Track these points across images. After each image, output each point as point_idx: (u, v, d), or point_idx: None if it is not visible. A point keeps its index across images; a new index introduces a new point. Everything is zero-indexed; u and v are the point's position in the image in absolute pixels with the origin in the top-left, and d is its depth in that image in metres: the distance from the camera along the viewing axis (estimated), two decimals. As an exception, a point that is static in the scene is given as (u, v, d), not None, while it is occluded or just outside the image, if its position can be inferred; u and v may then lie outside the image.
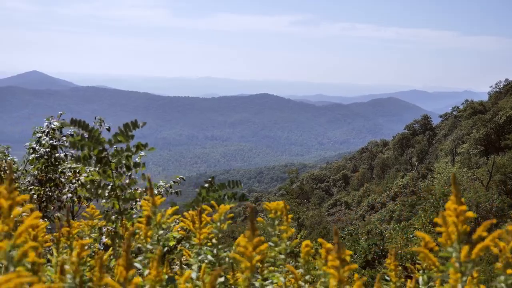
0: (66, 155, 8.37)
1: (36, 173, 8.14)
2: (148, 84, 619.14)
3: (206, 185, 3.15)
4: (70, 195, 7.93)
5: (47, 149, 8.15)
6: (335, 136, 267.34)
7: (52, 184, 8.15)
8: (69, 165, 8.27)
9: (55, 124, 8.36)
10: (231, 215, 2.33)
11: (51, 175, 8.21)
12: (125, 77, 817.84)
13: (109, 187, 3.55)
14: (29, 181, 8.25)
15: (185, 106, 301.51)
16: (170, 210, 2.25)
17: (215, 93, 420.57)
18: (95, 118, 8.89)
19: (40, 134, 8.28)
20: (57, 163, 8.26)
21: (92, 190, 3.52)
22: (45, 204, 7.99)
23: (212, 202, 2.41)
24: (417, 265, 2.06)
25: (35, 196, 7.87)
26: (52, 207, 7.97)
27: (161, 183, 8.19)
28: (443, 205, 27.24)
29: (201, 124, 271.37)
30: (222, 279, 2.01)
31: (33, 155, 8.15)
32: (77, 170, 8.09)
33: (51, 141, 8.19)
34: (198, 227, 2.04)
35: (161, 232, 2.18)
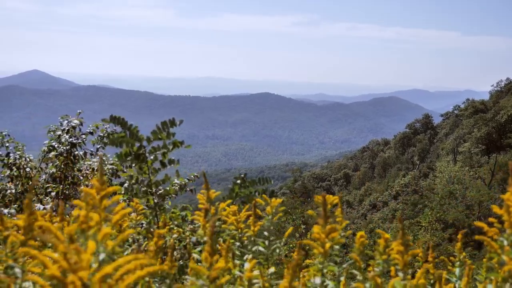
0: (85, 153, 8.49)
1: (53, 170, 8.22)
2: (149, 84, 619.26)
3: (238, 181, 3.27)
4: None
5: (66, 147, 8.24)
6: (336, 135, 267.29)
7: (69, 181, 8.26)
8: (88, 162, 8.43)
9: (75, 122, 8.48)
10: (283, 208, 2.49)
11: (70, 173, 8.31)
12: (125, 77, 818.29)
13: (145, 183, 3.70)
14: (44, 179, 8.34)
15: (186, 105, 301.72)
16: (223, 204, 2.44)
17: (216, 92, 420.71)
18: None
19: (59, 132, 8.35)
20: (76, 160, 8.37)
21: (130, 186, 3.63)
22: (63, 201, 8.09)
23: (264, 196, 2.57)
24: (451, 257, 2.15)
25: (52, 193, 7.92)
26: (70, 205, 8.06)
27: (176, 180, 8.24)
28: (449, 203, 27.27)
29: (202, 124, 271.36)
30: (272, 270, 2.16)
31: (52, 152, 8.21)
32: (95, 168, 8.24)
33: (70, 139, 8.28)
34: (253, 220, 2.18)
35: (217, 224, 2.38)
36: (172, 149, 3.93)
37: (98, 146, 8.73)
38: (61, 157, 8.18)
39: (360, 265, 1.99)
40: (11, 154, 8.32)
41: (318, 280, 1.85)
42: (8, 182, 8.15)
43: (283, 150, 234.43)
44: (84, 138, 8.41)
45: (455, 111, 72.29)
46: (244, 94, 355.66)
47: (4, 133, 8.73)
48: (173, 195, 3.74)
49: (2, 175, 8.23)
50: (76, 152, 8.33)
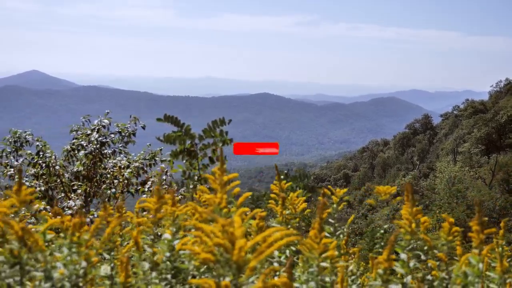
0: (114, 151, 8.65)
1: (81, 168, 8.36)
2: (149, 84, 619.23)
3: (282, 177, 3.57)
4: (114, 190, 8.24)
5: (96, 146, 8.40)
6: (336, 136, 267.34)
7: (97, 179, 8.41)
8: (114, 160, 8.61)
9: (105, 121, 8.67)
10: (347, 197, 2.92)
11: (98, 171, 8.47)
12: (125, 77, 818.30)
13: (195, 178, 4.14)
14: (68, 178, 8.47)
15: (185, 105, 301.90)
16: (294, 194, 2.79)
17: (215, 92, 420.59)
18: (130, 116, 9.29)
19: (89, 131, 8.55)
20: (104, 159, 8.56)
21: (183, 180, 4.01)
22: (90, 199, 8.26)
23: (330, 187, 3.02)
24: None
25: (78, 191, 8.04)
26: (98, 202, 8.19)
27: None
28: (456, 201, 27.30)
29: (202, 124, 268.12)
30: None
31: (82, 151, 8.39)
32: (122, 166, 8.41)
33: (100, 138, 8.48)
34: (320, 209, 2.41)
35: (287, 212, 2.73)
36: (222, 146, 4.42)
37: (120, 145, 8.91)
38: (90, 156, 8.36)
39: (430, 244, 2.34)
40: (41, 153, 8.50)
41: (403, 255, 2.25)
42: (33, 180, 8.24)
43: (283, 151, 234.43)
44: (113, 137, 8.63)
45: (455, 112, 72.33)
46: (244, 95, 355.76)
47: (27, 132, 8.92)
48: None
49: (27, 174, 8.37)
50: (105, 151, 8.56)
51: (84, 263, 2.15)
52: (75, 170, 8.42)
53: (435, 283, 2.28)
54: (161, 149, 9.13)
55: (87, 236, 2.15)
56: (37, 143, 8.67)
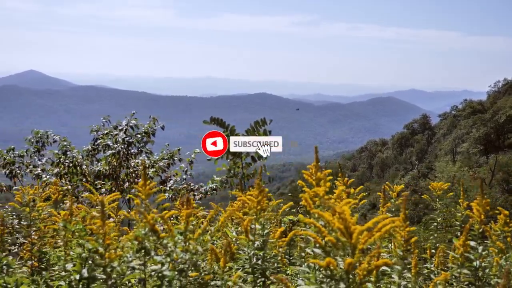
0: (140, 151, 8.80)
1: (106, 168, 8.48)
2: (147, 84, 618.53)
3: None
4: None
5: (123, 146, 8.62)
6: (334, 136, 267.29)
7: (123, 178, 8.55)
8: (137, 160, 8.83)
9: (133, 122, 8.98)
10: (406, 193, 3.27)
11: (124, 170, 8.67)
12: (124, 77, 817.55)
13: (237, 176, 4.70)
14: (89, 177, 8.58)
15: (184, 105, 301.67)
16: (338, 190, 2.94)
17: (214, 92, 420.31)
18: (150, 117, 9.49)
19: (116, 132, 8.83)
20: (131, 158, 8.76)
21: (227, 178, 4.47)
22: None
23: (388, 183, 3.81)
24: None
25: (102, 190, 8.21)
26: (123, 200, 8.33)
27: (218, 178, 8.86)
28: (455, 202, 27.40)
29: (200, 124, 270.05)
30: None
31: (110, 151, 8.58)
32: (146, 165, 8.36)
33: (127, 138, 8.72)
34: (383, 201, 3.13)
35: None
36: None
37: (140, 145, 9.06)
38: (117, 155, 8.55)
39: (494, 238, 2.75)
40: (68, 153, 8.62)
41: (473, 243, 2.67)
42: (57, 179, 8.24)
43: (281, 150, 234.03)
44: (139, 138, 8.79)
45: (453, 112, 72.33)
46: (242, 94, 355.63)
47: (49, 132, 9.03)
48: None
49: (50, 173, 8.44)
50: (132, 151, 8.79)
51: (200, 248, 2.61)
52: (97, 169, 8.59)
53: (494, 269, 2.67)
54: (179, 149, 9.27)
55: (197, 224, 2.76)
56: (64, 143, 8.85)
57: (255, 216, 2.90)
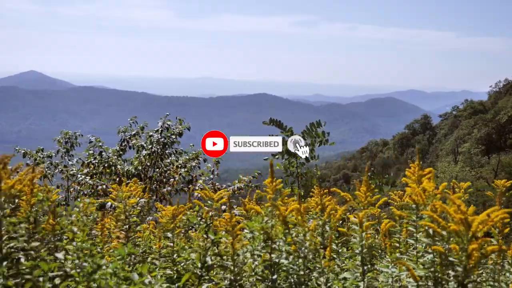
0: (176, 151, 9.00)
1: (139, 168, 8.70)
2: (146, 84, 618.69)
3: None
4: (169, 188, 8.70)
5: (159, 146, 8.83)
6: (333, 136, 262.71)
7: (156, 178, 8.80)
8: (168, 160, 9.05)
9: (169, 123, 9.23)
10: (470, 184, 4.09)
11: (157, 170, 8.86)
12: (122, 78, 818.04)
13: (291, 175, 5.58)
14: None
15: (183, 106, 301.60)
16: (442, 186, 3.20)
17: (212, 93, 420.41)
18: (176, 118, 9.69)
19: (152, 133, 9.02)
20: (165, 159, 9.00)
21: (284, 177, 5.16)
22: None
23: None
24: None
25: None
26: (154, 199, 8.37)
27: (244, 178, 9.22)
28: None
29: (199, 124, 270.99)
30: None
31: (144, 152, 8.80)
32: (178, 165, 8.85)
33: (162, 139, 8.93)
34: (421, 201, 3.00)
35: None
36: (319, 146, 5.81)
37: (172, 146, 9.31)
38: (152, 156, 8.77)
39: None
40: (103, 153, 8.98)
41: None
42: (89, 179, 8.57)
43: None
44: (174, 139, 9.09)
45: (454, 112, 72.32)
46: (241, 95, 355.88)
47: (77, 133, 9.22)
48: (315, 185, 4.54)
49: (80, 174, 8.64)
50: (167, 151, 9.00)
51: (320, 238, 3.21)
52: (125, 169, 8.86)
53: None
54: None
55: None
56: (99, 143, 9.06)
57: (366, 210, 3.25)
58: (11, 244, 2.61)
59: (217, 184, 9.01)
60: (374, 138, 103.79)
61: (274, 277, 2.86)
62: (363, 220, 3.10)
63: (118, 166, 8.76)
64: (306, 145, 5.22)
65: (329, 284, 3.05)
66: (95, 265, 2.43)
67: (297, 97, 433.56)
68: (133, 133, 9.33)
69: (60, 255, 2.57)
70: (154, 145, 8.82)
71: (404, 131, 74.57)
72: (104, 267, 2.42)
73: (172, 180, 8.56)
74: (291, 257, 2.92)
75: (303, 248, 2.93)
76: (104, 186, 8.25)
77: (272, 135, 5.57)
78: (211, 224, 3.21)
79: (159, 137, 8.91)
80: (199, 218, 3.37)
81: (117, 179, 8.56)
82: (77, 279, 2.45)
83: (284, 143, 4.97)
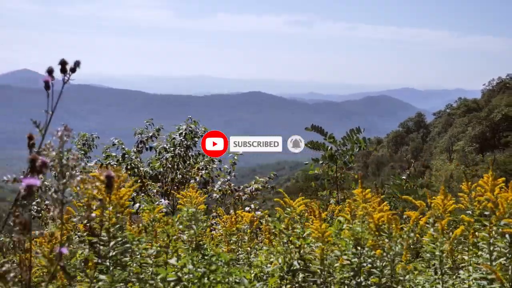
0: (199, 154, 9.04)
1: (160, 170, 8.75)
2: (142, 83, 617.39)
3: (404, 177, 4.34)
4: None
5: (183, 149, 8.94)
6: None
7: (178, 179, 8.81)
8: (191, 161, 9.13)
9: (192, 126, 9.33)
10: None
11: (179, 172, 8.94)
12: (118, 76, 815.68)
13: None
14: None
15: (179, 104, 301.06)
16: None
17: (207, 91, 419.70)
18: (190, 119, 9.76)
19: (176, 135, 9.12)
20: (187, 161, 9.10)
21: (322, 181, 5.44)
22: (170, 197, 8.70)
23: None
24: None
25: (154, 190, 8.50)
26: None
27: (261, 179, 9.36)
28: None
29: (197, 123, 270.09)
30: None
31: (169, 154, 8.87)
32: (200, 167, 8.91)
33: (185, 142, 9.05)
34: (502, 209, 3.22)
35: None
36: (358, 151, 6.17)
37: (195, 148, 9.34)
38: (175, 158, 8.86)
39: None
40: (126, 155, 9.11)
41: None
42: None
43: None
44: (197, 141, 9.17)
45: (448, 110, 72.55)
46: (237, 93, 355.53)
47: (94, 135, 9.22)
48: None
49: None
50: (191, 154, 9.11)
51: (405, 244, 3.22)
52: (145, 170, 9.05)
53: None
54: None
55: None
56: (123, 146, 9.14)
57: (448, 218, 3.44)
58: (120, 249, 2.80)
59: (233, 185, 9.08)
60: (368, 136, 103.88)
61: (360, 280, 3.03)
62: (444, 227, 3.30)
63: (141, 168, 8.82)
64: (346, 150, 5.69)
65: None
66: (207, 270, 2.58)
67: (292, 95, 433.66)
68: (150, 134, 9.39)
69: (173, 260, 2.76)
70: (178, 147, 8.90)
71: (398, 129, 74.75)
72: (213, 272, 2.56)
73: (192, 181, 8.54)
74: (378, 262, 3.08)
75: (391, 254, 3.07)
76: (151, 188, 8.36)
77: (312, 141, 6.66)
78: (297, 230, 3.34)
79: (183, 139, 8.97)
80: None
81: (139, 180, 8.57)
82: (185, 283, 2.60)
83: (326, 149, 5.31)
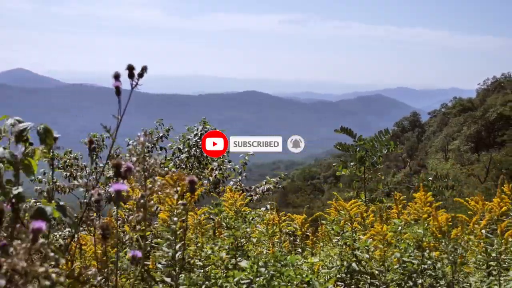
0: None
1: (174, 170, 8.66)
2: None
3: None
4: (203, 189, 8.71)
5: (198, 150, 8.91)
6: (323, 133, 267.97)
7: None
8: (205, 161, 9.16)
9: (208, 127, 9.40)
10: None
11: (192, 172, 8.92)
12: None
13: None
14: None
15: (174, 103, 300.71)
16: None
17: (202, 90, 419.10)
18: (201, 120, 9.76)
19: (190, 136, 9.19)
20: (202, 161, 9.13)
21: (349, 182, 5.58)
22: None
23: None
24: None
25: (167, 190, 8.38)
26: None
27: (272, 179, 9.45)
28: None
29: (190, 122, 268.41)
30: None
31: (184, 155, 8.94)
32: (213, 168, 8.93)
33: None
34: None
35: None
36: (386, 153, 6.34)
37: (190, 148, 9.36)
38: (191, 159, 8.91)
39: None
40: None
41: None
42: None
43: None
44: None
45: (443, 109, 72.72)
46: (232, 92, 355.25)
47: (105, 135, 9.19)
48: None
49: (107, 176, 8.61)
50: (205, 155, 8.97)
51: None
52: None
53: None
54: (228, 152, 9.51)
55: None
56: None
57: (508, 220, 3.47)
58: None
59: (243, 185, 9.11)
60: (363, 135, 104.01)
61: (420, 281, 3.12)
62: (504, 230, 3.32)
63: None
64: (375, 151, 5.25)
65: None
66: (276, 272, 2.60)
67: (287, 94, 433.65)
68: (160, 135, 9.45)
69: (243, 263, 2.79)
70: (194, 148, 8.94)
71: (393, 128, 74.90)
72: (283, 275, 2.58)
73: (205, 182, 8.61)
74: (439, 263, 3.21)
75: (451, 256, 3.20)
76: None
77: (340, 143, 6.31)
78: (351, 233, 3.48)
79: (198, 140, 8.96)
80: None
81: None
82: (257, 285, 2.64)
83: (354, 150, 5.47)
